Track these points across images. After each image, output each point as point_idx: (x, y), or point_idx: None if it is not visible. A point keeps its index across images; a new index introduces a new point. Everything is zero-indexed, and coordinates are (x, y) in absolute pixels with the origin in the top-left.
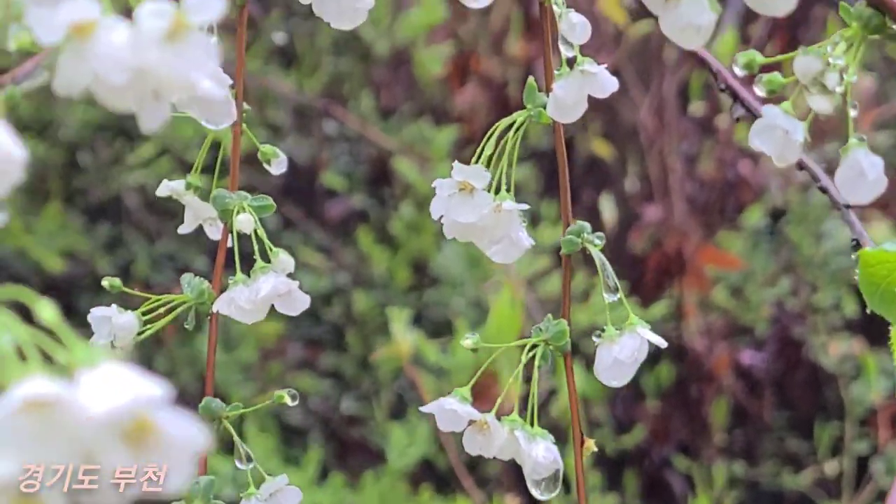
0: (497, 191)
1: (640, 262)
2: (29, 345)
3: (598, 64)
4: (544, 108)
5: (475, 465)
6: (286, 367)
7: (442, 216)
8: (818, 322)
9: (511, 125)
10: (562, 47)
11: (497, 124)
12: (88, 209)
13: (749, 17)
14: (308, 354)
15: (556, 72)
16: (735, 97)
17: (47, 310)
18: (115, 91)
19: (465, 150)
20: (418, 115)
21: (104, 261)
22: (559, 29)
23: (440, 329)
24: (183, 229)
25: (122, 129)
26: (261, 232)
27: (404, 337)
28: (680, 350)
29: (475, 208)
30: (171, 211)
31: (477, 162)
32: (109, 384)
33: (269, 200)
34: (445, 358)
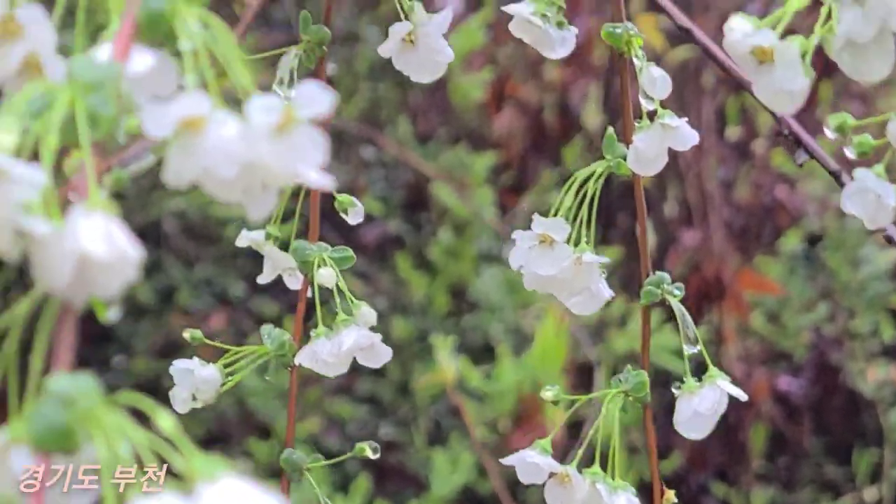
0: (577, 242)
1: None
2: (147, 452)
3: (679, 118)
4: (623, 158)
5: (517, 491)
6: (324, 392)
7: (521, 266)
8: (856, 348)
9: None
10: (642, 100)
11: (576, 174)
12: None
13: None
14: (345, 380)
15: (636, 124)
16: (798, 142)
17: (165, 418)
18: (224, 184)
19: (502, 175)
20: (455, 141)
21: (143, 286)
22: (639, 82)
23: (479, 354)
24: (262, 279)
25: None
26: (342, 285)
27: (448, 364)
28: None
29: (555, 261)
30: (210, 236)
31: (556, 214)
32: (231, 500)
33: (349, 252)
34: (488, 384)
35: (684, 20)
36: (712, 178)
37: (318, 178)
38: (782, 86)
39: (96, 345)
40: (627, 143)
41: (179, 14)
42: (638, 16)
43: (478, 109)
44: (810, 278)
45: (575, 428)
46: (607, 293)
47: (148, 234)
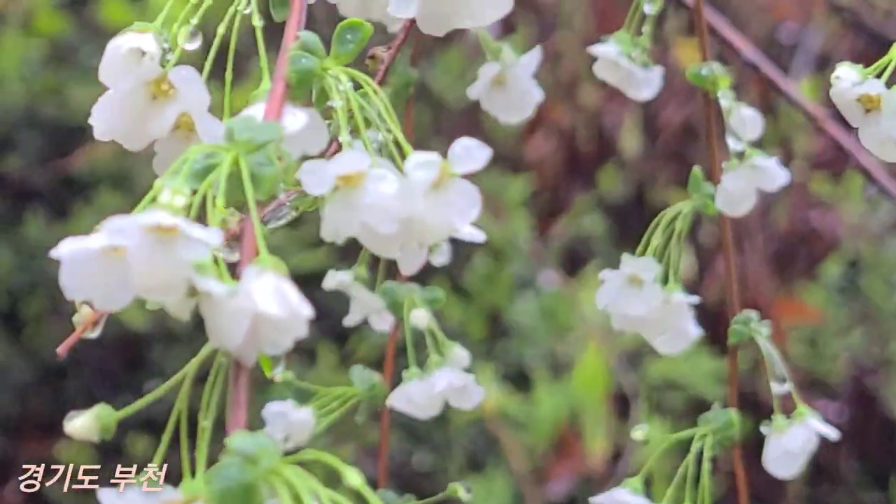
0: (665, 281)
1: (716, 313)
2: None
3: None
4: (710, 197)
5: None
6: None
7: (607, 305)
8: (892, 373)
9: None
10: (729, 140)
11: (662, 213)
12: None
13: (822, 62)
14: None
15: (724, 164)
16: (868, 177)
17: (354, 475)
18: (383, 240)
19: (537, 198)
20: (489, 164)
21: None
22: (727, 123)
23: (513, 380)
24: (348, 321)
25: None
26: (433, 325)
27: (488, 392)
28: (756, 402)
29: (645, 301)
30: None
31: (644, 253)
32: None
33: (439, 293)
34: (525, 411)
35: (750, 53)
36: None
37: (472, 233)
38: (890, 134)
39: (130, 371)
40: (713, 182)
41: (329, 72)
42: (678, 39)
43: (512, 133)
44: (847, 304)
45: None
46: (695, 332)
47: None
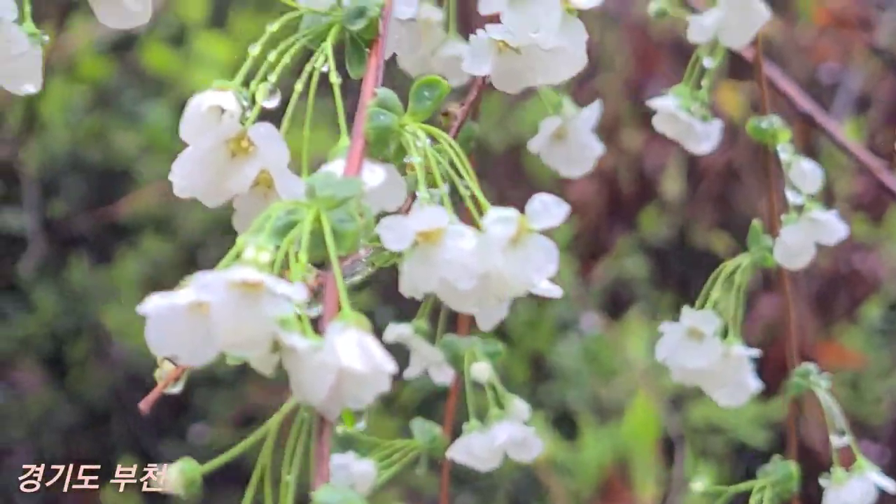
0: (724, 334)
1: (758, 357)
2: None
3: (827, 211)
4: (768, 250)
5: None
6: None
7: (666, 358)
8: None
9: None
10: (788, 193)
11: (723, 265)
12: None
13: (862, 104)
14: None
15: (783, 217)
16: None
17: None
18: (460, 295)
19: (579, 240)
20: None
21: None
22: (787, 175)
23: (557, 423)
24: (409, 373)
25: None
26: (494, 379)
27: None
28: (800, 446)
29: (705, 355)
30: None
31: (703, 305)
32: None
33: (499, 346)
34: (571, 455)
35: (805, 104)
36: None
37: (549, 288)
38: None
39: (174, 414)
40: (772, 235)
41: (406, 129)
42: (720, 82)
43: (554, 175)
44: (888, 346)
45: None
46: (754, 385)
47: None
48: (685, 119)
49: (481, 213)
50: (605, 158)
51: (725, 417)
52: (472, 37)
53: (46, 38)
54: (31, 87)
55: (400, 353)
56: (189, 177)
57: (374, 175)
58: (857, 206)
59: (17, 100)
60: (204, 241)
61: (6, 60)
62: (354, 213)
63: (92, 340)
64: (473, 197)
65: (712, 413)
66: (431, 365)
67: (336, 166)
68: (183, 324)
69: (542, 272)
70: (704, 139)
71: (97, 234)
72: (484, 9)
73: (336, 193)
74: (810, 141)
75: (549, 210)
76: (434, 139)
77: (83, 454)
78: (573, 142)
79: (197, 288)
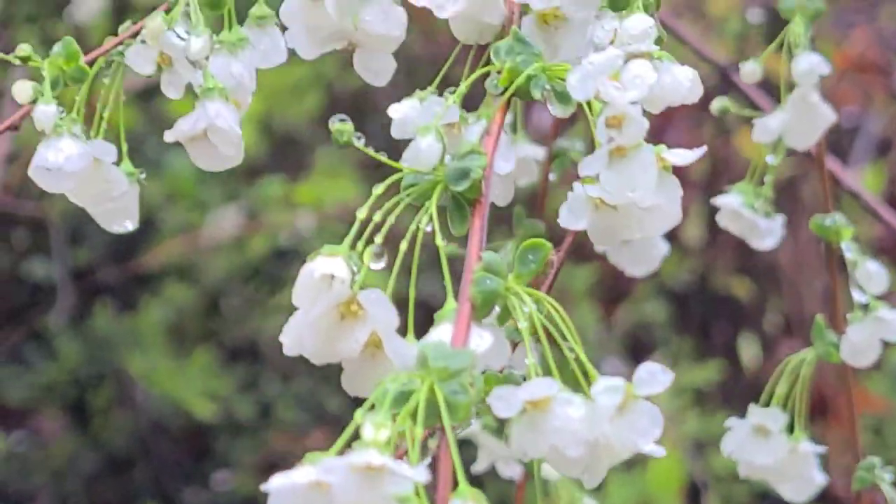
0: (790, 429)
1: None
2: None
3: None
4: (833, 346)
5: None
6: None
7: (732, 453)
8: None
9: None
10: (854, 292)
11: (787, 359)
12: (224, 351)
13: (883, 148)
14: None
15: (848, 316)
16: None
17: None
18: (569, 461)
19: (600, 285)
20: None
21: (242, 403)
22: (853, 275)
23: None
24: (477, 468)
25: (268, 275)
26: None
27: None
28: (825, 494)
29: (772, 452)
30: None
31: (769, 402)
32: None
33: None
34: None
35: (851, 183)
36: (812, 291)
37: (654, 450)
38: None
39: (197, 461)
40: (836, 331)
41: (512, 293)
42: (739, 128)
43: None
44: None
45: None
46: (820, 479)
47: (245, 349)
48: (749, 216)
49: (586, 376)
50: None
51: None
52: (569, 193)
53: (143, 175)
54: (129, 225)
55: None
56: (299, 339)
57: (482, 341)
58: (879, 249)
59: None
60: (226, 288)
61: (108, 201)
62: (467, 385)
63: (115, 387)
64: (578, 359)
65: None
66: (499, 459)
67: (444, 331)
68: (303, 500)
69: (647, 437)
70: (768, 235)
71: (122, 282)
72: (585, 171)
73: (449, 365)
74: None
75: (655, 378)
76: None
77: (106, 501)
78: (639, 242)
79: (320, 470)
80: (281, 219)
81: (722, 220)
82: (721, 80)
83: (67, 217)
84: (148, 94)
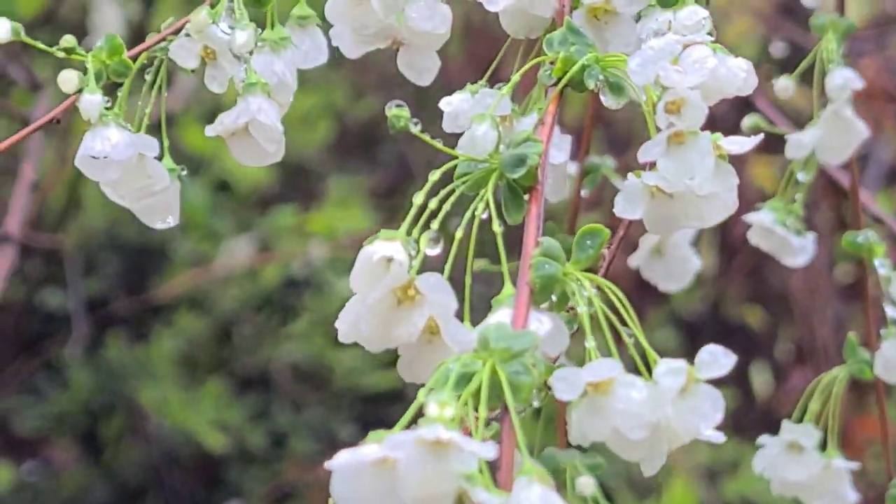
0: (823, 446)
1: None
2: None
3: None
4: (866, 363)
5: None
6: None
7: (764, 469)
8: None
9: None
10: (887, 308)
11: (819, 378)
12: (235, 381)
13: (893, 174)
14: None
15: (882, 332)
16: None
17: None
18: (631, 444)
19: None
20: None
21: (254, 432)
22: (886, 292)
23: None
24: None
25: (280, 304)
26: (598, 493)
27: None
28: None
29: (805, 468)
30: (319, 379)
31: (802, 419)
32: None
33: (601, 459)
34: None
35: (876, 210)
36: (824, 319)
37: (714, 435)
38: None
39: (208, 491)
40: (868, 348)
41: (572, 278)
42: (752, 156)
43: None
44: None
45: None
46: (853, 497)
47: (257, 379)
48: (781, 233)
49: (645, 361)
50: (637, 229)
51: (758, 492)
52: (624, 182)
53: (185, 172)
54: (171, 221)
55: None
56: (355, 324)
57: (541, 325)
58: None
59: (61, 180)
60: (238, 317)
61: (149, 196)
62: (529, 366)
63: (127, 417)
64: (638, 344)
65: (746, 487)
66: None
67: (503, 315)
68: (368, 478)
69: (709, 421)
70: (800, 252)
71: (134, 313)
72: (643, 156)
73: (511, 346)
74: (841, 212)
75: (717, 360)
76: (599, 288)
77: None
78: (672, 256)
79: (386, 446)
80: (293, 248)
81: (753, 238)
82: (740, 104)
83: (82, 248)
84: (159, 125)
